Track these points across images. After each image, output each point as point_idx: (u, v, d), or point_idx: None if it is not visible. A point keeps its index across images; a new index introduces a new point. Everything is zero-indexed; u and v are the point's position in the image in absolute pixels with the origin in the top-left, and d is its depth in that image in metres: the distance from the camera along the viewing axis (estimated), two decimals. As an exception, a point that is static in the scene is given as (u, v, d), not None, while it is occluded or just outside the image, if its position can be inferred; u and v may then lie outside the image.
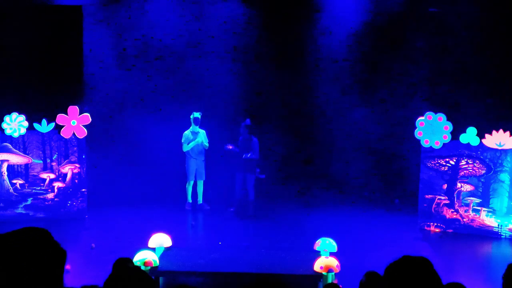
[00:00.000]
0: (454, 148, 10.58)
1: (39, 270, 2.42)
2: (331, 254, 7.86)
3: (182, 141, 11.75)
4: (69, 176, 11.14)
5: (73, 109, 10.97)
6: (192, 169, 11.81)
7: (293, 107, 12.82)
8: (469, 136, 10.41)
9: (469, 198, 10.56)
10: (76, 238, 9.70)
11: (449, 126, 10.51)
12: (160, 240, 8.23)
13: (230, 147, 11.37)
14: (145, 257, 7.33)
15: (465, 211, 10.57)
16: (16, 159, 10.94)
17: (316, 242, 8.16)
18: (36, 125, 10.88)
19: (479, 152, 10.43)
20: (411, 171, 11.96)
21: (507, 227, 10.30)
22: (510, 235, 10.28)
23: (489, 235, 10.34)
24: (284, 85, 12.76)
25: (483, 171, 10.44)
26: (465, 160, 10.54)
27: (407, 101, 12.37)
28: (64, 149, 11.09)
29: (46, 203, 11.05)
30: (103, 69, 12.51)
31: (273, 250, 8.71)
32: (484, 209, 10.44)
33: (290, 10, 12.55)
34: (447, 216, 10.68)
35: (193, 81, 12.77)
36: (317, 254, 7.78)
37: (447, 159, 10.66)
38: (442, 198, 10.72)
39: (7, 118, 10.71)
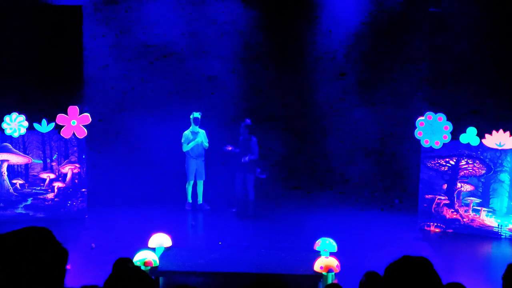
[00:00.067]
0: (454, 148, 10.58)
1: (41, 270, 2.42)
2: (331, 254, 7.86)
3: (182, 141, 11.75)
4: (69, 176, 11.14)
5: (73, 109, 10.97)
6: (192, 169, 11.81)
7: (293, 107, 12.82)
8: (469, 136, 10.41)
9: (469, 198, 10.56)
10: (76, 238, 9.70)
11: (449, 126, 10.51)
12: (160, 240, 8.23)
13: (230, 148, 11.37)
14: (145, 257, 7.33)
15: (465, 211, 10.57)
16: (16, 159, 10.94)
17: (316, 242, 8.16)
18: (36, 125, 10.88)
19: (479, 152, 10.43)
20: (411, 171, 11.96)
21: (507, 227, 10.30)
22: (510, 235, 10.28)
23: (489, 235, 10.34)
24: (284, 85, 12.76)
25: (483, 171, 10.44)
26: (465, 160, 10.54)
27: (407, 101, 12.37)
28: (64, 149, 11.09)
29: (46, 203, 11.05)
30: (103, 69, 12.51)
31: (273, 250, 8.71)
32: (484, 209, 10.44)
33: (290, 10, 12.55)
34: (447, 216, 10.68)
35: (193, 81, 12.77)
36: (317, 254, 7.78)
37: (447, 159, 10.66)
38: (442, 198, 10.72)
39: (7, 118, 10.71)
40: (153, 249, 7.97)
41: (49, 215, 10.94)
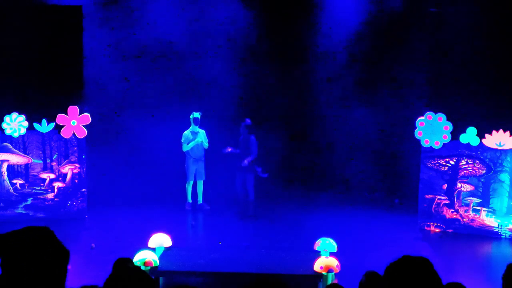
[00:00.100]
0: (454, 148, 10.58)
1: (42, 270, 2.42)
2: (331, 254, 7.86)
3: (182, 141, 11.75)
4: (69, 176, 11.14)
5: (73, 109, 10.97)
6: (191, 169, 11.81)
7: (293, 107, 12.82)
8: (469, 136, 10.41)
9: (469, 198, 10.56)
10: (76, 238, 9.70)
11: (449, 126, 10.51)
12: (160, 240, 8.23)
13: (229, 149, 11.38)
14: (145, 257, 7.33)
15: (465, 211, 10.57)
16: (16, 159, 10.94)
17: (316, 242, 8.16)
18: (36, 125, 10.88)
19: (479, 152, 10.43)
20: (411, 171, 11.96)
21: (507, 227, 10.30)
22: (510, 235, 10.28)
23: (489, 235, 10.34)
24: (284, 85, 12.76)
25: (483, 171, 10.44)
26: (465, 160, 10.54)
27: (407, 101, 12.37)
28: (64, 149, 11.09)
29: (46, 203, 11.05)
30: (103, 69, 12.51)
31: (273, 250, 8.71)
32: (484, 209, 10.44)
33: (290, 10, 12.55)
34: (447, 216, 10.68)
35: (193, 81, 12.77)
36: (317, 254, 7.78)
37: (447, 159, 10.66)
38: (442, 198, 10.72)
39: (7, 118, 10.71)
40: (153, 249, 7.97)
41: (49, 215, 10.93)
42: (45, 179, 11.07)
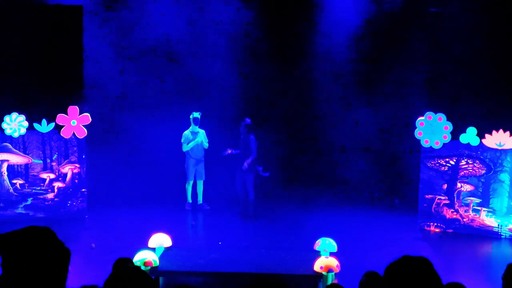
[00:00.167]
0: (454, 148, 10.58)
1: (42, 269, 2.42)
2: (331, 254, 7.86)
3: (182, 141, 11.75)
4: (69, 176, 11.14)
5: (73, 109, 10.97)
6: (191, 169, 11.81)
7: (293, 107, 12.82)
8: (469, 136, 10.41)
9: (469, 198, 10.56)
10: (76, 238, 9.70)
11: (449, 126, 10.51)
12: (160, 240, 8.23)
13: (229, 151, 11.40)
14: (145, 257, 7.33)
15: (465, 211, 10.57)
16: (16, 159, 10.94)
17: (316, 242, 8.16)
18: (36, 125, 10.88)
19: (479, 152, 10.43)
20: (411, 171, 11.96)
21: (507, 227, 10.30)
22: (510, 235, 10.28)
23: (489, 235, 10.34)
24: (284, 85, 12.76)
25: (483, 171, 10.44)
26: (465, 160, 10.54)
27: (407, 101, 12.37)
28: (64, 149, 11.09)
29: (46, 203, 11.05)
30: (103, 69, 12.51)
31: (273, 250, 8.71)
32: (484, 209, 10.44)
33: (290, 10, 12.56)
34: (447, 216, 10.68)
35: (193, 81, 12.77)
36: (317, 254, 7.78)
37: (447, 159, 10.66)
38: (442, 198, 10.72)
39: (7, 118, 10.71)
40: (153, 249, 7.97)
41: (49, 215, 10.93)
42: (45, 179, 11.07)
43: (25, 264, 2.40)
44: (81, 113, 10.99)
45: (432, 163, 10.75)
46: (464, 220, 10.58)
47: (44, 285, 2.41)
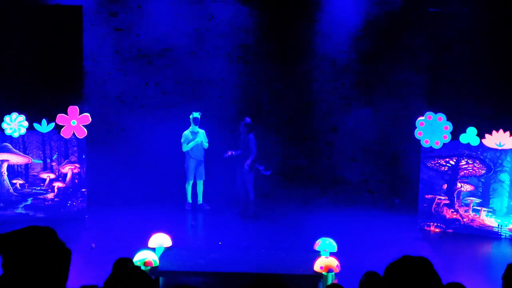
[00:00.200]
0: (454, 148, 10.58)
1: (43, 269, 2.42)
2: (331, 254, 7.87)
3: (182, 141, 11.75)
4: (69, 176, 11.14)
5: (73, 109, 10.97)
6: (191, 169, 11.81)
7: (293, 107, 12.82)
8: (469, 136, 10.41)
9: (469, 198, 10.56)
10: (76, 238, 9.70)
11: (449, 126, 10.51)
12: (160, 240, 8.23)
13: (230, 153, 11.42)
14: (145, 257, 7.33)
15: (465, 211, 10.57)
16: (16, 159, 10.94)
17: (316, 242, 8.16)
18: (36, 125, 10.88)
19: (479, 152, 10.43)
20: (411, 171, 11.96)
21: (507, 227, 10.30)
22: (510, 235, 10.28)
23: (489, 235, 10.34)
24: (284, 85, 12.76)
25: (483, 171, 10.44)
26: (465, 160, 10.54)
27: (407, 101, 12.37)
28: (64, 149, 11.09)
29: (46, 203, 11.05)
30: (103, 69, 12.51)
31: (273, 250, 8.71)
32: (484, 209, 10.44)
33: (291, 10, 12.55)
34: (447, 216, 10.68)
35: (193, 81, 12.77)
36: (317, 254, 7.78)
37: (447, 159, 10.66)
38: (442, 198, 10.72)
39: (7, 118, 10.71)
40: (153, 249, 7.97)
41: (49, 215, 10.94)
42: (45, 179, 11.07)
43: (26, 264, 2.39)
44: (81, 113, 10.99)
45: (432, 163, 10.75)
46: (464, 220, 10.58)
47: (44, 285, 2.41)
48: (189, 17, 12.60)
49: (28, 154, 10.97)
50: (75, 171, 11.16)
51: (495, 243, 10.20)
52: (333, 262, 7.31)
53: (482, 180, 10.46)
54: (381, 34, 12.35)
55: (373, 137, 12.70)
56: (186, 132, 11.77)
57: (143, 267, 7.10)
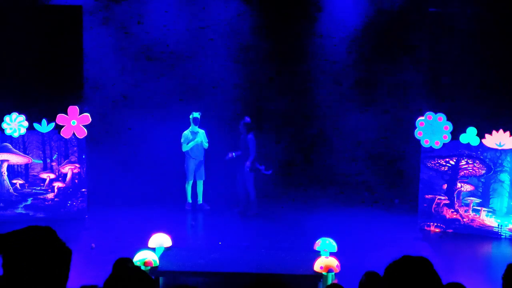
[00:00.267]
0: (454, 148, 10.58)
1: (43, 269, 2.42)
2: (331, 254, 7.86)
3: (182, 141, 11.75)
4: (69, 176, 11.14)
5: (73, 109, 10.97)
6: (191, 169, 11.81)
7: (293, 107, 12.82)
8: (469, 136, 10.41)
9: (469, 198, 10.56)
10: (76, 238, 9.70)
11: (449, 126, 10.51)
12: (160, 240, 8.23)
13: (231, 155, 11.44)
14: (145, 257, 7.33)
15: (465, 211, 10.57)
16: (16, 159, 10.94)
17: (316, 242, 8.16)
18: (36, 125, 10.88)
19: (479, 152, 10.43)
20: (411, 171, 11.96)
21: (507, 227, 10.30)
22: (510, 235, 10.28)
23: (489, 235, 10.34)
24: (284, 85, 12.76)
25: (483, 171, 10.44)
26: (465, 160, 10.54)
27: (407, 101, 12.37)
28: (64, 149, 11.09)
29: (46, 203, 11.05)
30: (103, 69, 12.51)
31: (273, 250, 8.71)
32: (484, 209, 10.44)
33: (291, 10, 12.55)
34: (447, 216, 10.68)
35: (193, 81, 12.77)
36: (317, 254, 7.78)
37: (447, 159, 10.66)
38: (442, 198, 10.72)
39: (7, 118, 10.71)
40: (153, 249, 7.97)
41: (49, 215, 10.93)
42: (45, 179, 11.07)
43: (26, 264, 2.39)
44: (81, 113, 10.99)
45: (432, 163, 10.75)
46: (464, 220, 10.58)
47: (44, 285, 2.41)
48: (189, 17, 12.60)
49: (28, 154, 10.97)
50: (75, 171, 11.16)
51: (495, 243, 10.20)
52: (333, 262, 7.31)
53: (482, 180, 10.46)
54: (381, 34, 12.35)
55: (373, 137, 12.70)
56: (186, 132, 11.77)
57: (143, 267, 7.11)
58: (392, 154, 12.61)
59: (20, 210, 10.94)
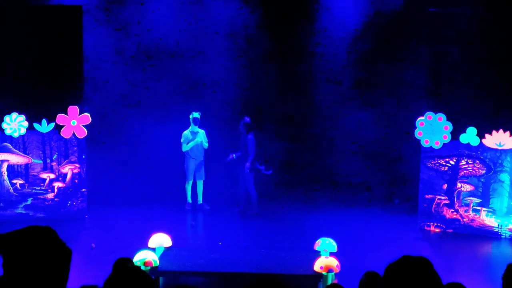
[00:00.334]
0: (454, 148, 10.58)
1: (43, 269, 2.42)
2: (331, 254, 7.87)
3: (182, 141, 11.75)
4: (69, 176, 11.14)
5: (73, 109, 10.97)
6: (191, 169, 11.81)
7: (293, 107, 12.81)
8: (469, 136, 10.41)
9: (469, 198, 10.56)
10: (76, 238, 9.70)
11: (449, 126, 10.51)
12: (160, 240, 8.23)
13: (231, 156, 11.45)
14: (145, 257, 7.33)
15: (465, 211, 10.57)
16: (16, 159, 10.94)
17: (316, 242, 8.16)
18: (36, 125, 10.88)
19: (479, 152, 10.43)
20: (411, 171, 11.96)
21: (507, 227, 10.30)
22: (510, 235, 10.28)
23: (489, 235, 10.34)
24: (284, 85, 12.76)
25: (483, 171, 10.44)
26: (465, 160, 10.54)
27: (407, 101, 12.37)
28: (64, 149, 11.09)
29: (46, 203, 11.05)
30: (103, 69, 12.51)
31: (273, 250, 8.71)
32: (484, 209, 10.44)
33: (290, 10, 12.55)
34: (447, 216, 10.68)
35: (193, 81, 12.77)
36: (317, 254, 7.78)
37: (447, 159, 10.66)
38: (442, 198, 10.72)
39: (7, 118, 10.71)
40: (153, 249, 7.97)
41: (49, 215, 10.93)
42: (45, 179, 11.07)
43: (26, 264, 2.39)
44: (81, 113, 10.99)
45: (432, 163, 10.75)
46: (464, 220, 10.58)
47: (44, 285, 2.41)
48: (189, 17, 12.60)
49: (28, 154, 10.96)
50: (75, 171, 11.16)
51: (495, 243, 10.20)
52: (333, 262, 7.31)
53: (482, 180, 10.46)
54: (381, 34, 12.35)
55: (373, 137, 12.70)
56: (186, 132, 11.77)
57: (143, 267, 7.11)
58: (392, 154, 12.61)
59: (20, 210, 10.94)
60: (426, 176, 10.82)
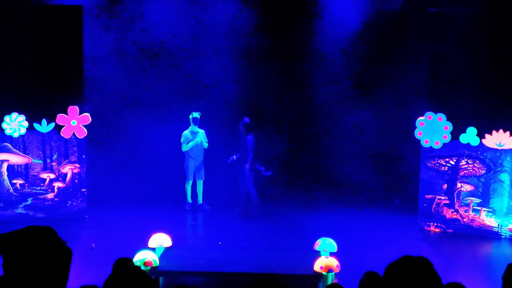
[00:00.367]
0: (454, 148, 10.58)
1: (43, 269, 2.42)
2: (331, 254, 7.87)
3: (181, 141, 11.75)
4: (69, 176, 11.14)
5: (73, 109, 10.97)
6: (191, 169, 11.82)
7: (293, 107, 12.81)
8: (469, 136, 10.41)
9: (469, 198, 10.56)
10: (76, 238, 9.70)
11: (449, 126, 10.51)
12: (160, 240, 8.23)
13: (232, 158, 11.47)
14: (145, 257, 7.33)
15: (465, 211, 10.57)
16: (16, 159, 10.94)
17: (316, 242, 8.16)
18: (36, 125, 10.88)
19: (479, 152, 10.43)
20: (411, 171, 11.96)
21: (507, 227, 10.30)
22: (510, 235, 10.28)
23: (489, 235, 10.34)
24: (284, 86, 12.76)
25: (483, 171, 10.44)
26: (465, 160, 10.54)
27: (406, 101, 12.37)
28: (64, 149, 11.09)
29: (46, 203, 11.05)
30: (103, 69, 12.50)
31: (273, 250, 8.71)
32: (484, 209, 10.44)
33: (291, 10, 12.55)
34: (447, 216, 10.68)
35: (193, 81, 12.77)
36: (317, 254, 7.78)
37: (447, 159, 10.66)
38: (442, 198, 10.72)
39: (7, 118, 10.71)
40: (153, 249, 7.97)
41: (49, 215, 10.94)
42: (45, 179, 11.07)
43: (26, 264, 2.39)
44: (81, 113, 10.99)
45: (432, 163, 10.75)
46: (464, 220, 10.58)
47: (44, 285, 2.41)
48: (189, 17, 12.59)
49: (28, 154, 10.97)
50: (75, 171, 11.17)
51: (495, 243, 10.20)
52: (333, 262, 7.31)
53: (482, 180, 10.46)
54: (381, 34, 12.35)
55: (373, 137, 12.70)
56: (186, 132, 11.77)
57: (143, 267, 7.11)
58: (392, 154, 12.61)
59: (20, 210, 10.94)
60: (426, 176, 10.82)
